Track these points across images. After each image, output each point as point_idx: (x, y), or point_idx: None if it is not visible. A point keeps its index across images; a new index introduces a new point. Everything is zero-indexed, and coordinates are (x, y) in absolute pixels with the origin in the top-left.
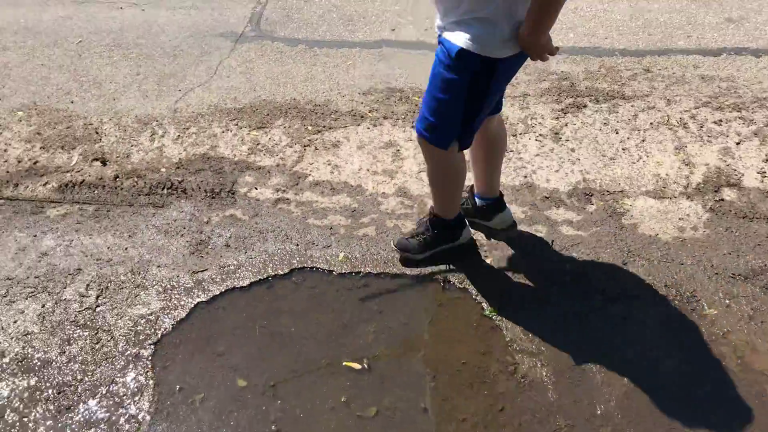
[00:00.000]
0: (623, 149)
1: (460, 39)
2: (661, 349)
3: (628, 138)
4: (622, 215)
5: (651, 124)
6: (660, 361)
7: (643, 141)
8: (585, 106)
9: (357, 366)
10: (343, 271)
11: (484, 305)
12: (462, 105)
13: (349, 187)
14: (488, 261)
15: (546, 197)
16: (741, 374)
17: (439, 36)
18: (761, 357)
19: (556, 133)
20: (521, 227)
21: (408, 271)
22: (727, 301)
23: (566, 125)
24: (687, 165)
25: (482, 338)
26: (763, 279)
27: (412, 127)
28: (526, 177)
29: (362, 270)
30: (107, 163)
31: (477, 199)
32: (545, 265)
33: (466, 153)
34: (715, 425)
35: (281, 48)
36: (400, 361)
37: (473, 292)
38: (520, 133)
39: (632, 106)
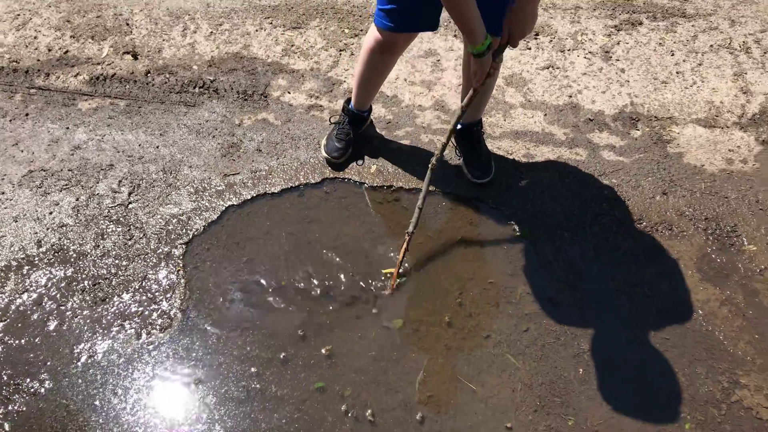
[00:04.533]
0: (677, 72)
1: None
2: (694, 282)
3: (684, 60)
4: (668, 143)
5: (711, 46)
6: (690, 294)
7: (699, 65)
8: (641, 23)
9: (388, 271)
10: (375, 184)
11: (517, 227)
12: None
13: (385, 97)
14: (523, 183)
15: (590, 119)
16: None
17: None
18: None
19: (607, 52)
20: (561, 149)
21: (441, 188)
22: None
23: (618, 43)
24: (744, 93)
25: (512, 259)
26: None
27: (455, 35)
28: (570, 97)
29: (394, 184)
30: (138, 57)
31: None
32: (583, 189)
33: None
34: (741, 359)
35: None
36: (428, 276)
37: (507, 212)
38: (569, 49)
39: (693, 25)
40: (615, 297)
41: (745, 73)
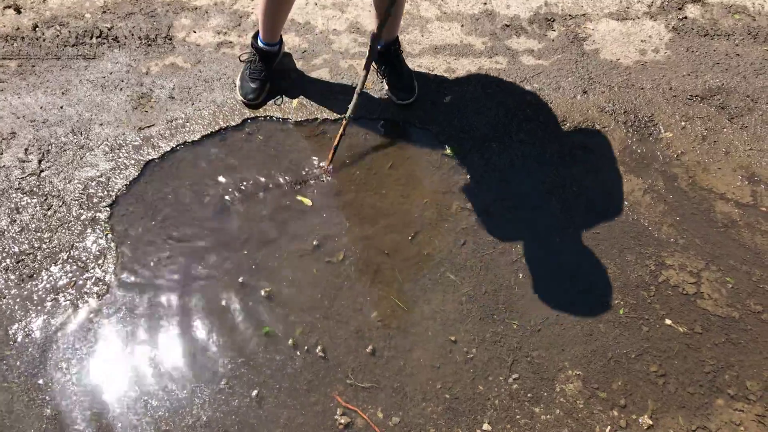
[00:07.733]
0: None
1: None
2: (618, 175)
3: None
4: (583, 40)
5: None
6: (615, 187)
7: None
8: None
9: (308, 202)
10: (299, 119)
11: (446, 144)
12: None
13: (297, 25)
14: (448, 99)
15: (507, 25)
16: (691, 192)
17: None
18: (710, 176)
19: None
20: (481, 60)
21: (366, 114)
22: (683, 123)
23: None
24: None
25: (444, 178)
26: (719, 98)
27: None
28: (485, 4)
29: (318, 116)
30: (21, 10)
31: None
32: (506, 98)
33: None
34: (665, 242)
35: None
36: (363, 204)
37: (434, 131)
38: None
39: None
40: (546, 200)
41: None
